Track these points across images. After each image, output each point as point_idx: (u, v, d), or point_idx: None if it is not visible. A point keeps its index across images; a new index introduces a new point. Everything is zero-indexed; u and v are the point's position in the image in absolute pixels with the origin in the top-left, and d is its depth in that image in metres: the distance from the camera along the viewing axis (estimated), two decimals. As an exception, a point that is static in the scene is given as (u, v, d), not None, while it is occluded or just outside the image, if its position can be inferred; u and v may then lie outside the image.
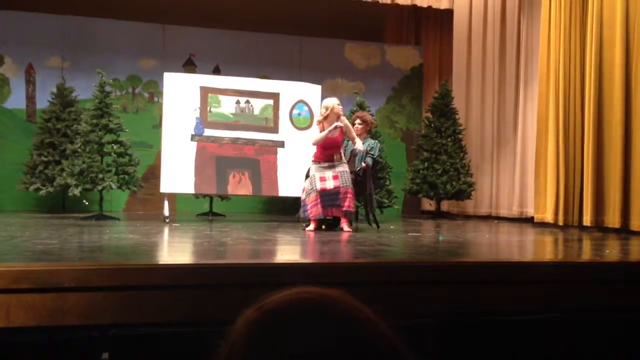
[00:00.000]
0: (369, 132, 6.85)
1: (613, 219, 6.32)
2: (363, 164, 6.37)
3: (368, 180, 6.30)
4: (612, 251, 4.45)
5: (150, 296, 2.61)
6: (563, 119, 7.09)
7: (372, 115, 7.41)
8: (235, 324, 0.75)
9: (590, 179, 6.58)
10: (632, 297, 3.17)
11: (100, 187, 6.93)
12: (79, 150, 7.07)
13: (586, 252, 4.66)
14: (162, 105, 7.29)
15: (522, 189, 8.55)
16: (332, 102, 6.02)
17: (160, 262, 3.47)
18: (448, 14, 10.07)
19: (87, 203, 8.07)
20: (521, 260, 4.01)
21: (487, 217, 9.14)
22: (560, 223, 6.98)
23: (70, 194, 7.14)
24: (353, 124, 6.70)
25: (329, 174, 5.88)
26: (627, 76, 6.29)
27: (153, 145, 8.67)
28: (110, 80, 7.98)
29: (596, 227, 6.49)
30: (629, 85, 6.27)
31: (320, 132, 5.93)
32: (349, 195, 5.83)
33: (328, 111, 5.92)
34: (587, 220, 6.59)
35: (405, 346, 0.72)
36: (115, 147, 7.14)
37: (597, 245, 4.95)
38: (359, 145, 6.00)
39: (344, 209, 5.80)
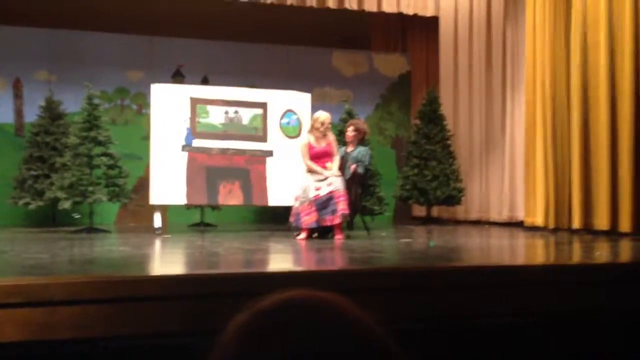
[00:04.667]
0: (362, 140, 6.87)
1: (602, 222, 6.36)
2: (352, 168, 6.40)
3: (354, 186, 6.33)
4: (602, 253, 4.48)
5: (141, 308, 2.60)
6: (551, 122, 7.14)
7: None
8: (226, 327, 0.75)
9: (579, 181, 6.63)
10: (623, 298, 3.19)
11: (90, 200, 6.90)
12: (68, 163, 7.03)
13: (577, 255, 4.69)
14: (150, 116, 7.28)
15: (512, 193, 8.60)
16: (326, 116, 6.24)
17: (152, 274, 3.46)
18: (434, 21, 10.14)
19: (77, 216, 8.02)
20: (513, 264, 4.03)
21: (478, 222, 9.17)
22: (551, 226, 7.01)
23: (60, 208, 7.10)
24: (346, 132, 6.77)
25: (323, 182, 5.95)
26: (612, 79, 6.36)
27: (142, 156, 8.64)
28: (98, 93, 7.96)
29: (586, 230, 6.53)
30: (614, 88, 6.33)
31: (309, 143, 6.17)
32: (342, 199, 5.86)
33: (324, 126, 6.17)
34: (576, 223, 6.63)
35: (397, 347, 0.72)
36: (104, 159, 7.11)
37: (587, 247, 4.99)
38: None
39: (340, 212, 5.83)
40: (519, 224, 7.94)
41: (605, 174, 6.33)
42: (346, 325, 0.71)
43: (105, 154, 7.13)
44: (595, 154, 6.54)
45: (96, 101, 7.31)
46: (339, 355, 0.68)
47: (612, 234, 6.16)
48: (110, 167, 7.12)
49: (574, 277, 3.29)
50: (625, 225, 6.09)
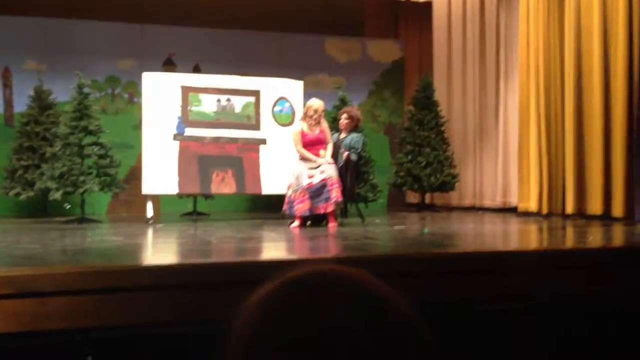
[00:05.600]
0: (356, 127, 6.82)
1: (595, 207, 6.37)
2: (344, 155, 6.37)
3: (349, 173, 6.31)
4: (595, 238, 4.48)
5: (134, 298, 2.58)
6: (544, 108, 7.13)
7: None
8: (249, 298, 0.75)
9: (572, 167, 6.63)
10: (617, 282, 3.19)
11: (81, 190, 6.85)
12: (59, 153, 6.97)
13: (571, 240, 4.70)
14: (141, 105, 7.22)
15: (505, 179, 8.60)
16: (319, 104, 6.20)
17: (144, 264, 3.43)
18: (427, 6, 10.09)
19: (68, 206, 7.96)
20: (506, 249, 4.03)
21: (471, 208, 9.18)
22: (544, 212, 7.03)
23: (51, 198, 7.04)
24: (339, 119, 6.74)
25: (315, 170, 5.93)
26: (605, 64, 6.34)
27: (134, 146, 8.57)
28: (89, 82, 7.88)
29: (579, 215, 6.55)
30: (608, 74, 6.32)
31: (302, 130, 6.14)
32: (335, 186, 5.85)
33: (317, 114, 6.12)
34: (569, 208, 6.64)
35: (423, 323, 0.72)
36: (95, 149, 7.05)
37: (581, 232, 4.99)
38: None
39: (333, 199, 5.81)
40: (513, 210, 7.95)
41: (599, 159, 6.33)
42: (373, 298, 0.71)
43: (96, 144, 7.07)
44: (588, 139, 6.54)
45: (86, 90, 7.24)
46: (366, 328, 0.68)
47: (605, 218, 6.18)
48: (102, 156, 7.07)
49: (568, 262, 3.29)
50: (617, 210, 6.11)
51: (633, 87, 5.89)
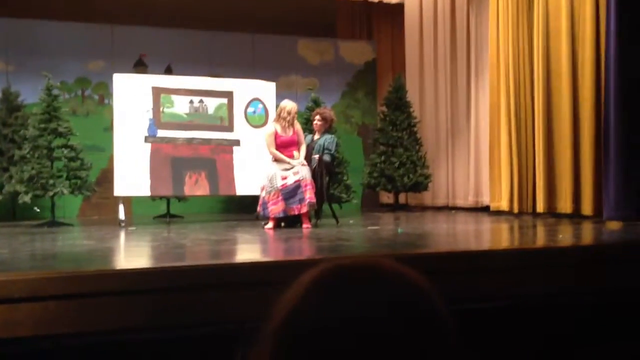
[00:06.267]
0: (329, 128, 6.83)
1: (565, 205, 6.49)
2: (316, 157, 6.38)
3: (321, 174, 6.32)
4: (565, 236, 4.56)
5: (106, 303, 2.54)
6: (514, 109, 7.23)
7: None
8: (300, 277, 0.78)
9: (542, 166, 6.74)
10: (585, 280, 3.25)
11: (51, 193, 6.74)
12: (28, 156, 6.85)
13: (541, 239, 4.77)
14: (112, 107, 7.13)
15: (477, 178, 8.70)
16: (292, 105, 6.20)
17: (116, 268, 3.39)
18: (399, 8, 10.16)
19: (38, 210, 7.82)
20: (478, 249, 4.08)
21: (444, 208, 9.27)
22: (515, 211, 7.13)
23: (20, 202, 6.91)
24: (312, 120, 6.74)
25: (289, 172, 5.93)
26: (573, 65, 6.46)
27: (105, 148, 8.46)
28: (58, 83, 7.75)
29: (549, 214, 6.66)
30: (576, 74, 6.44)
31: (275, 132, 6.14)
32: (309, 187, 5.85)
33: (291, 115, 6.14)
34: (540, 207, 6.75)
35: (451, 319, 0.75)
36: (65, 151, 6.95)
37: (551, 231, 5.08)
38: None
39: (307, 201, 5.81)
40: (485, 209, 8.05)
41: (568, 159, 6.45)
42: (412, 290, 0.74)
43: (66, 146, 6.97)
44: (557, 139, 6.65)
45: (55, 92, 7.13)
46: (403, 318, 0.70)
47: (575, 217, 6.29)
48: (72, 159, 6.96)
49: (539, 261, 3.34)
50: (587, 208, 6.22)
51: (600, 87, 6.00)
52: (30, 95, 8.24)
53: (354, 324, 0.68)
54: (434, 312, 0.73)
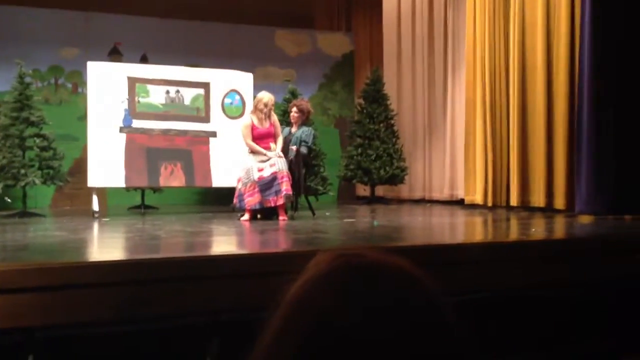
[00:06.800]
0: (306, 120, 6.81)
1: (538, 199, 6.58)
2: (294, 148, 6.37)
3: (298, 166, 6.32)
4: (537, 229, 4.63)
5: (79, 295, 2.51)
6: (490, 103, 7.30)
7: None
8: (308, 266, 0.78)
9: (516, 161, 6.82)
10: (557, 273, 3.30)
11: (23, 183, 6.63)
12: (-1, 145, 6.72)
13: (514, 232, 4.83)
14: (86, 96, 7.02)
15: (453, 172, 8.77)
16: (269, 97, 6.16)
17: (89, 260, 3.35)
18: (377, 0, 10.16)
19: (9, 200, 7.68)
20: (452, 242, 4.12)
21: (421, 201, 9.33)
22: (490, 204, 7.21)
23: (-10, 191, 6.79)
24: (289, 112, 6.72)
25: (265, 164, 5.91)
26: (548, 60, 6.53)
27: (79, 137, 8.35)
28: (30, 71, 7.60)
29: (523, 207, 6.74)
30: (551, 70, 6.51)
31: (252, 123, 6.11)
32: (285, 179, 5.84)
33: (268, 107, 6.08)
34: (514, 200, 6.83)
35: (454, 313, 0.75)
36: (37, 140, 6.83)
37: (524, 224, 5.14)
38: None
39: (283, 192, 5.79)
40: (460, 202, 8.12)
41: (542, 153, 6.53)
42: (418, 289, 0.74)
43: (38, 135, 6.85)
44: (532, 134, 6.73)
45: (28, 80, 7.00)
46: (410, 316, 0.70)
47: (548, 210, 6.39)
48: (44, 148, 6.85)
49: (514, 254, 3.39)
50: (559, 202, 6.32)
51: (574, 82, 6.08)
52: (1, 83, 8.09)
53: (373, 322, 0.68)
54: (437, 306, 0.74)
